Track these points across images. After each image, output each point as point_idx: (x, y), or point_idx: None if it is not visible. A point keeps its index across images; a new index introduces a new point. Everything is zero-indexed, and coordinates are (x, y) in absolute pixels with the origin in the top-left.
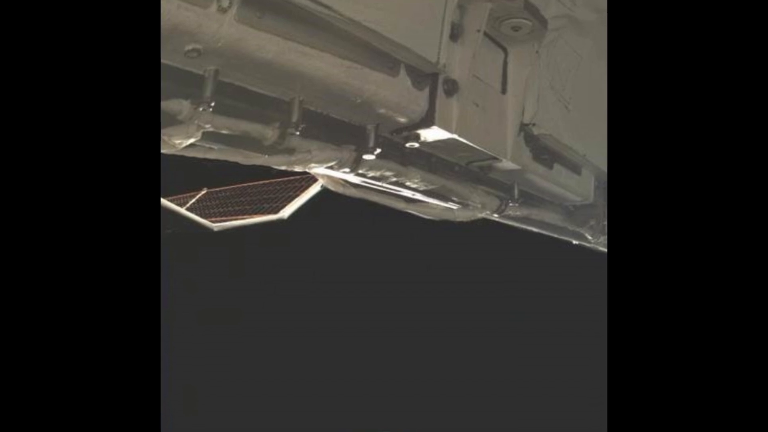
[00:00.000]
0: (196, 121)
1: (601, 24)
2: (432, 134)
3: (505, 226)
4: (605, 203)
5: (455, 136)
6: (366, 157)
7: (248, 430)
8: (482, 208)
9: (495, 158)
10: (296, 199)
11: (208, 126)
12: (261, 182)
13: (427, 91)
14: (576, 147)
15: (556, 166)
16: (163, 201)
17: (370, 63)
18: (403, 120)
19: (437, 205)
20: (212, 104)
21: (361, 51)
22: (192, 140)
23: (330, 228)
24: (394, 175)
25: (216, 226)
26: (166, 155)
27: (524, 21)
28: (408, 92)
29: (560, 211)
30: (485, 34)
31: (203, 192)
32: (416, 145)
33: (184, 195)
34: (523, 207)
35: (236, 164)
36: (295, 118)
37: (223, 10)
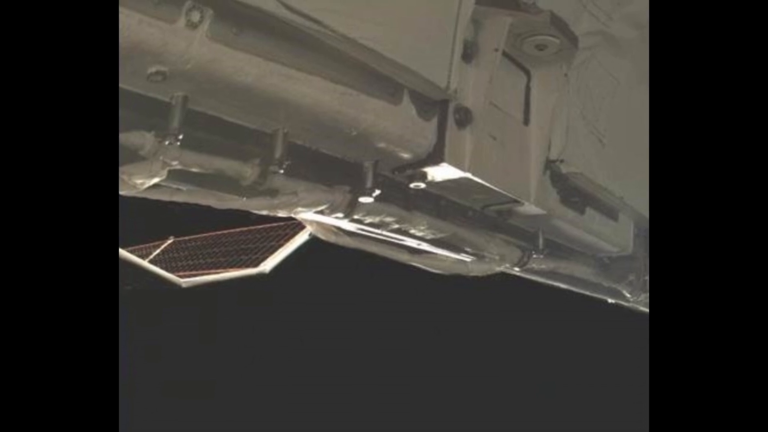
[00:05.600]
0: (161, 157)
1: (641, 42)
2: (441, 173)
3: (528, 281)
4: (647, 255)
5: (468, 175)
6: (362, 199)
7: None
8: (501, 260)
9: (516, 201)
10: (280, 250)
11: (175, 163)
12: (238, 230)
13: (435, 121)
14: (612, 188)
15: (589, 211)
16: (122, 252)
17: (368, 88)
18: (406, 156)
19: (447, 256)
20: (180, 137)
21: (357, 74)
22: (156, 180)
23: (320, 284)
24: (396, 222)
25: (184, 281)
26: (125, 198)
27: (551, 38)
28: (412, 123)
29: (593, 263)
30: (504, 53)
31: (169, 241)
32: (422, 185)
33: (147, 245)
34: (549, 259)
35: (209, 209)
36: (278, 153)
37: (193, 26)
